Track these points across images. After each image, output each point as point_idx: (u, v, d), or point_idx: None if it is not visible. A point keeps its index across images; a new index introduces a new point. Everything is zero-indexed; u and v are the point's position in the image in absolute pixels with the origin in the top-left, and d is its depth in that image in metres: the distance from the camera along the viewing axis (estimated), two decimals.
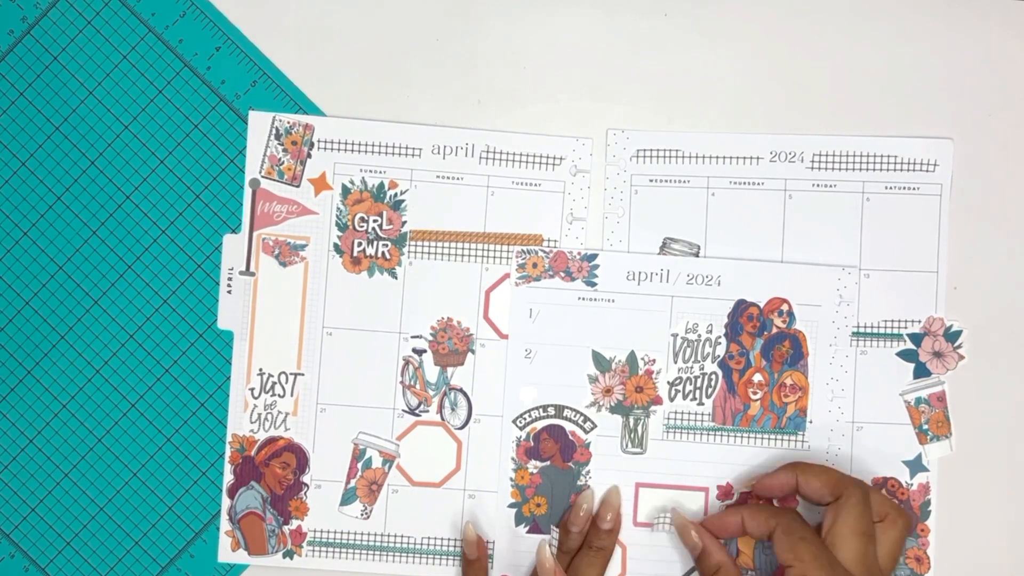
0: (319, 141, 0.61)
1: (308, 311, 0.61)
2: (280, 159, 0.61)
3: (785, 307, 0.61)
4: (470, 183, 0.61)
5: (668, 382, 0.61)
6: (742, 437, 0.61)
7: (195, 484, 0.62)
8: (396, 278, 0.62)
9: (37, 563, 0.62)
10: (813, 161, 0.61)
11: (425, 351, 0.62)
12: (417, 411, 0.62)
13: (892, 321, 0.61)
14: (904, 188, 0.61)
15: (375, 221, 0.62)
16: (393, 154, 0.61)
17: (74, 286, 0.62)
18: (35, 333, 0.62)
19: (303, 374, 0.62)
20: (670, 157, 0.61)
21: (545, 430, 0.61)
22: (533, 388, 0.62)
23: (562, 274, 0.61)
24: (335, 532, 0.62)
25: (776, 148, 0.61)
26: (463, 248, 0.61)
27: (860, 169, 0.61)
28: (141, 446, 0.62)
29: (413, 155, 0.61)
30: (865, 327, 0.61)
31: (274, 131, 0.61)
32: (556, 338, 0.61)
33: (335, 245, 0.61)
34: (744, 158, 0.61)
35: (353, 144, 0.61)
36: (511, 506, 0.62)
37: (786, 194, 0.61)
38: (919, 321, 0.61)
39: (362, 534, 0.62)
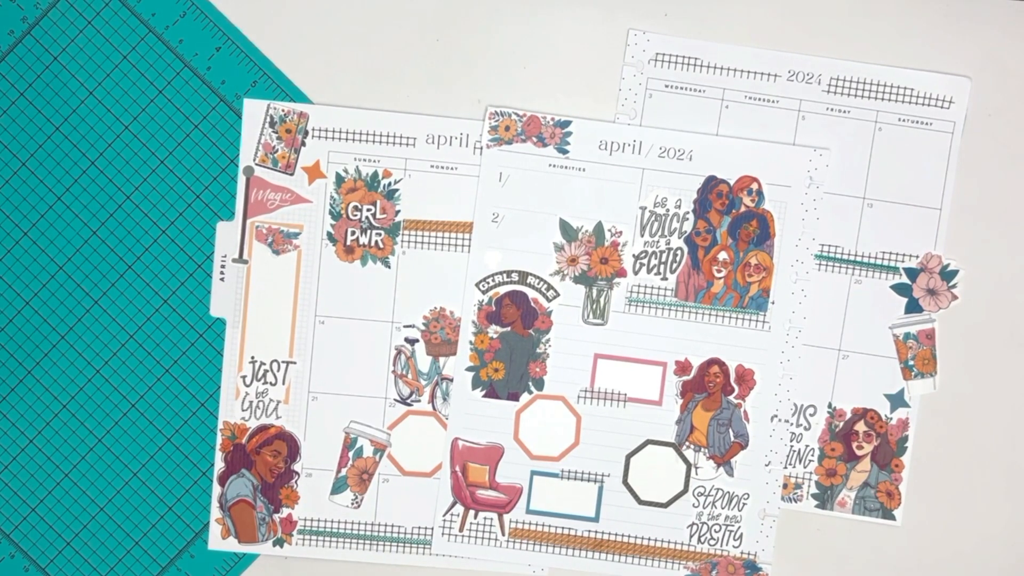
0: (313, 129, 0.61)
1: (301, 299, 0.61)
2: (274, 147, 0.61)
3: (755, 186, 0.61)
4: (464, 173, 0.61)
5: (633, 255, 0.61)
6: (703, 314, 0.61)
7: (195, 484, 0.62)
8: (389, 267, 0.61)
9: (37, 563, 0.62)
10: (830, 85, 0.61)
11: (417, 340, 0.61)
12: (409, 401, 0.62)
13: (890, 253, 0.61)
14: (917, 122, 0.61)
15: (369, 210, 0.61)
16: (387, 143, 0.61)
17: (74, 286, 0.62)
18: (35, 333, 0.62)
19: (295, 362, 0.61)
20: (688, 64, 0.61)
21: (508, 295, 0.61)
22: (498, 252, 0.61)
23: (534, 139, 0.61)
24: (325, 521, 0.62)
25: (794, 68, 0.61)
26: (456, 238, 0.61)
27: (876, 98, 0.61)
28: (141, 446, 0.62)
29: (407, 144, 0.61)
30: (862, 257, 0.61)
31: (268, 119, 0.61)
32: (524, 204, 0.61)
33: (328, 234, 0.61)
34: (762, 74, 0.61)
35: (347, 133, 0.61)
36: (468, 369, 0.61)
37: (799, 115, 0.61)
38: (917, 256, 0.61)
39: (352, 523, 0.62)
